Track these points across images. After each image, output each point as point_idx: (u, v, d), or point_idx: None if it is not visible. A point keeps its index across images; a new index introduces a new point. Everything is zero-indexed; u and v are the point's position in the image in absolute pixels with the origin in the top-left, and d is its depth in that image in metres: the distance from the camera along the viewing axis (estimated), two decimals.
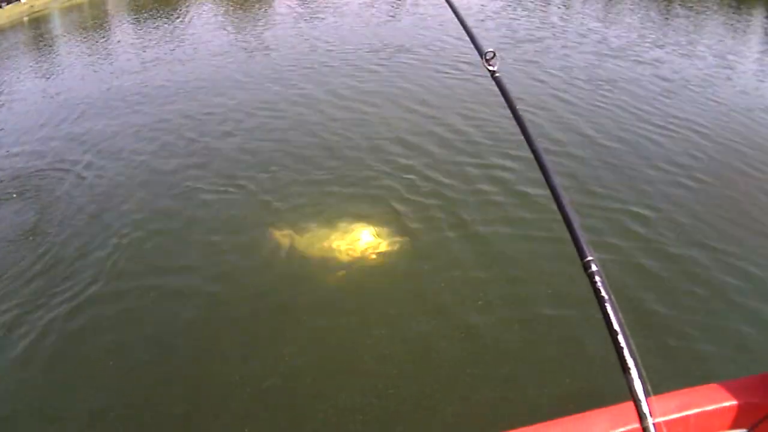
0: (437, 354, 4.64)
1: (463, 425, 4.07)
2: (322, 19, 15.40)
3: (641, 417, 1.18)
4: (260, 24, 15.50)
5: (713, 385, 1.65)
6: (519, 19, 15.45)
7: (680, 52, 13.16)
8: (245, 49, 12.90)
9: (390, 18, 15.66)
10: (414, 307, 5.11)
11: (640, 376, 1.22)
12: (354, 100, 9.66)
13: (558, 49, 12.86)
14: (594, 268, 1.31)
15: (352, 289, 5.38)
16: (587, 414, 1.67)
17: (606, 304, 1.26)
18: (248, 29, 14.71)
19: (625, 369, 1.20)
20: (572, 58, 12.08)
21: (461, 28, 2.25)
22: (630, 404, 1.44)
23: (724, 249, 5.73)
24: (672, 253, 5.66)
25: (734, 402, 1.59)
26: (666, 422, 1.53)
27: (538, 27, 14.71)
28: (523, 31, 14.30)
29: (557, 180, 1.51)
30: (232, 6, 17.64)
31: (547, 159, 1.56)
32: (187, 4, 18.18)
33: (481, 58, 1.90)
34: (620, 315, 1.26)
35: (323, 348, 4.76)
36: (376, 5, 16.86)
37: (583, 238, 1.37)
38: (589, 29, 14.70)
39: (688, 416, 1.58)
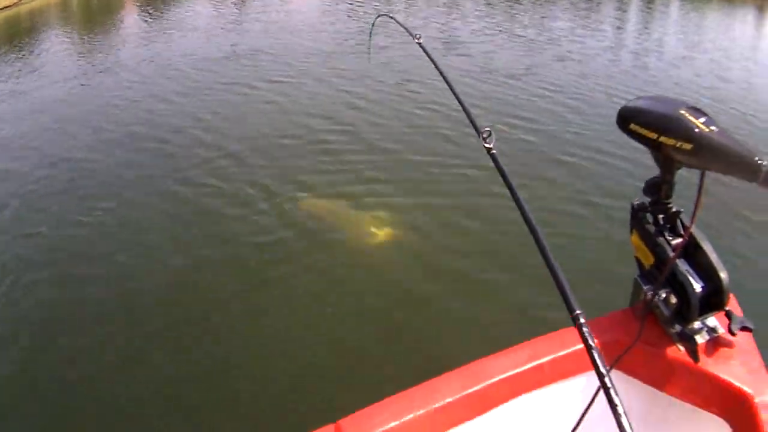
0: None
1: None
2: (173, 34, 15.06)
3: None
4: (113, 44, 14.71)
5: (568, 329, 1.66)
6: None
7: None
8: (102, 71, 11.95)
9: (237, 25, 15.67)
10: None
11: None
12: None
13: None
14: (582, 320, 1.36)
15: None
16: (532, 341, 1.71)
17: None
18: (99, 52, 13.86)
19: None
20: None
21: (459, 105, 2.27)
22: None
23: None
24: None
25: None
26: (520, 374, 1.60)
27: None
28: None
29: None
30: (80, 31, 17.02)
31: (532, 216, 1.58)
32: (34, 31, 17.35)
33: (479, 136, 1.94)
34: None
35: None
36: (223, 17, 16.77)
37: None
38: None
39: (541, 364, 1.63)
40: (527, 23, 15.53)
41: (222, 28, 15.21)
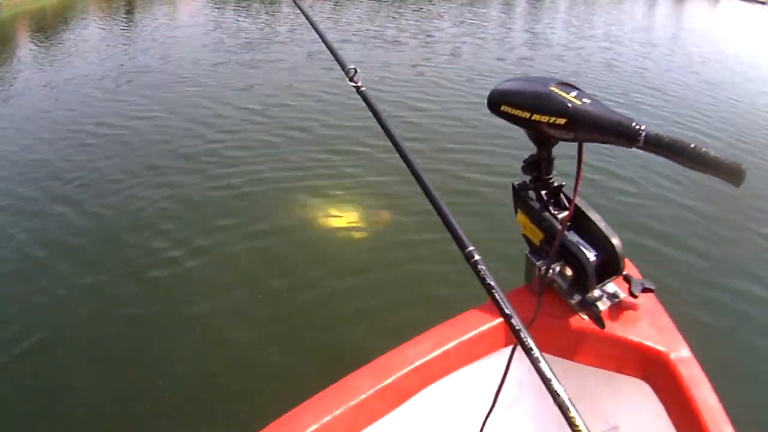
0: None
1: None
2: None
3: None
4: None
5: (469, 312, 1.71)
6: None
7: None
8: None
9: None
10: None
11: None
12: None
13: None
14: (476, 257, 1.38)
15: None
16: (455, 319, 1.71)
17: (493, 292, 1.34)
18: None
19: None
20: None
21: (324, 46, 2.30)
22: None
23: None
24: None
25: (494, 322, 1.67)
26: (427, 362, 1.60)
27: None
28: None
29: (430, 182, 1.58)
30: None
31: (416, 161, 1.62)
32: None
33: (345, 75, 1.97)
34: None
35: None
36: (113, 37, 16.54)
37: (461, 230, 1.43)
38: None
39: (448, 350, 1.63)
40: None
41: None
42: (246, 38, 14.51)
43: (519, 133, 1.60)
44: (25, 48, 16.98)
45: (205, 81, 10.91)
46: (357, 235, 5.60)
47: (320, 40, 2.38)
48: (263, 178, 6.68)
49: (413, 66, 11.07)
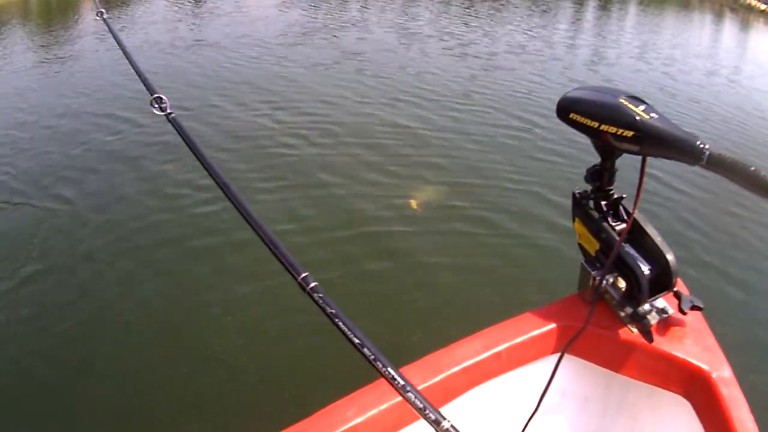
0: None
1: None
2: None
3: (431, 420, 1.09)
4: None
5: (521, 316, 1.72)
6: None
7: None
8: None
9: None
10: None
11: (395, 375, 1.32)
12: None
13: None
14: (313, 283, 1.31)
15: None
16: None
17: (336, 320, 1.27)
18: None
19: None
20: None
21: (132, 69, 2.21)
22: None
23: None
24: None
25: (545, 329, 1.68)
26: (477, 363, 1.62)
27: None
28: None
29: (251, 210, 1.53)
30: (40, 28, 16.85)
31: (235, 190, 1.56)
32: None
33: (152, 103, 1.88)
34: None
35: None
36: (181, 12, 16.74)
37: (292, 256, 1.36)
38: None
39: (499, 352, 1.64)
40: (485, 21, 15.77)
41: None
42: (314, 22, 14.73)
43: (585, 141, 1.62)
44: (92, 15, 17.41)
45: (264, 65, 11.08)
46: (409, 230, 5.62)
47: (129, 63, 2.28)
48: (314, 171, 6.75)
49: (470, 78, 11.00)
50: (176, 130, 1.81)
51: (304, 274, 1.30)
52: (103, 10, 2.38)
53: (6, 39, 14.68)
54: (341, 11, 17.07)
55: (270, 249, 1.39)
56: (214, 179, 1.61)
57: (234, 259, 5.08)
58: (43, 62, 11.93)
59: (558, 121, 1.63)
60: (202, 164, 1.67)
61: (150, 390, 3.92)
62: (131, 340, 4.31)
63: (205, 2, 17.94)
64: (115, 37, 2.60)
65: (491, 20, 16.48)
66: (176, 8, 16.85)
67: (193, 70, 10.80)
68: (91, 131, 7.86)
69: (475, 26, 15.42)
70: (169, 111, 1.87)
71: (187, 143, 1.75)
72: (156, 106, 1.88)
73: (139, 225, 5.60)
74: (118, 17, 15.84)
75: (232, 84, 9.87)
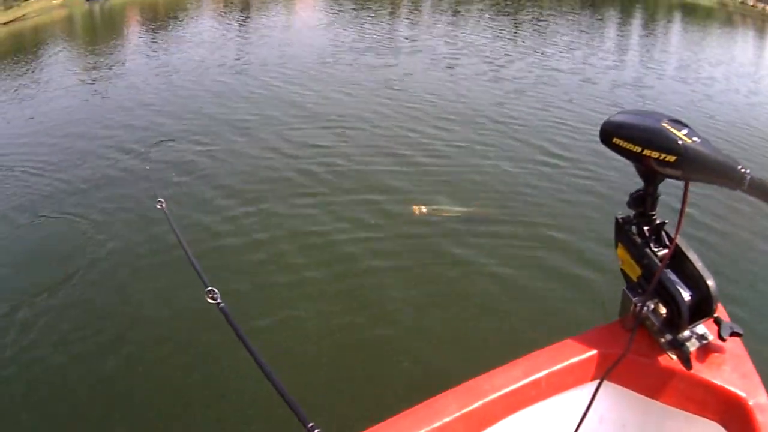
0: None
1: None
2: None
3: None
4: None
5: (561, 343, 1.71)
6: None
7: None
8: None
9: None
10: None
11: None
12: None
13: None
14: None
15: None
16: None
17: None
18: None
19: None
20: None
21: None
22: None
23: None
24: None
25: (584, 356, 1.66)
26: (516, 390, 1.60)
27: None
28: None
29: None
30: (84, 45, 17.14)
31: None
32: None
33: (206, 293, 1.97)
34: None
35: None
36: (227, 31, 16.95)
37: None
38: None
39: (538, 379, 1.63)
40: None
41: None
42: (356, 42, 14.92)
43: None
44: (136, 34, 17.83)
45: (306, 83, 11.21)
46: (455, 251, 5.61)
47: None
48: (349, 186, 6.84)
49: (513, 92, 10.99)
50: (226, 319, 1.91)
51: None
52: (162, 200, 2.42)
53: (50, 57, 15.07)
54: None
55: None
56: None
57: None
58: (86, 82, 12.23)
59: (595, 143, 1.63)
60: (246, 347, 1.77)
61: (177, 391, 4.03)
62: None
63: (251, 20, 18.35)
64: (174, 230, 2.73)
65: (533, 40, 16.42)
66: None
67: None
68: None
69: (516, 46, 15.42)
70: (219, 301, 1.97)
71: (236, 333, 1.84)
72: (209, 297, 1.98)
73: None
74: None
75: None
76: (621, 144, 1.55)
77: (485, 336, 4.46)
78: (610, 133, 1.58)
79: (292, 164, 7.49)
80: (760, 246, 5.99)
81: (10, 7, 23.22)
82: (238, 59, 13.35)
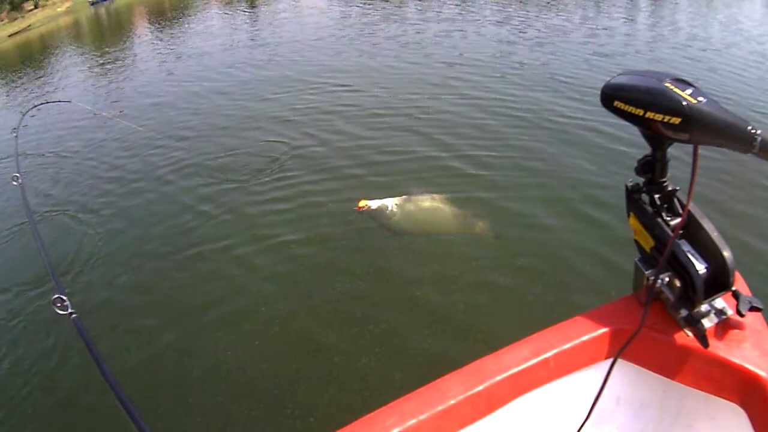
0: None
1: None
2: None
3: None
4: None
5: (572, 320, 1.64)
6: None
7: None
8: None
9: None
10: None
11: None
12: None
13: None
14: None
15: None
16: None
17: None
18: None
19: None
20: None
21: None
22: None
23: None
24: None
25: (596, 333, 1.60)
26: (524, 370, 1.55)
27: None
28: None
29: None
30: (96, 47, 17.29)
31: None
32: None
33: (56, 302, 1.94)
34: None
35: None
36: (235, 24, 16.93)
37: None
38: None
39: (546, 359, 1.57)
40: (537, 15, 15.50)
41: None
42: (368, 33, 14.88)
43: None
44: (145, 30, 17.96)
45: (309, 78, 11.21)
46: (457, 243, 5.44)
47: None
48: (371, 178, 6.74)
49: (524, 63, 10.82)
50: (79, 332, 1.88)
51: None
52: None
53: (61, 62, 15.27)
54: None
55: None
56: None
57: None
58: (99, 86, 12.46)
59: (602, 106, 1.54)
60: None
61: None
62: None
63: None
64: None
65: (543, 10, 16.16)
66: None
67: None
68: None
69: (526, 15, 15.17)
70: (71, 311, 1.95)
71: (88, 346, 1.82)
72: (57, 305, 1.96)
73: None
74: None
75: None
76: (622, 107, 1.45)
77: (493, 315, 4.36)
78: (610, 96, 1.48)
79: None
80: None
81: (15, 19, 23.41)
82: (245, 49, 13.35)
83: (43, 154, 9.05)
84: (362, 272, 5.01)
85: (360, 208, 5.57)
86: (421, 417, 1.44)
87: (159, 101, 10.97)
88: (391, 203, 5.60)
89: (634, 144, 6.33)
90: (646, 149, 1.55)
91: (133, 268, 5.56)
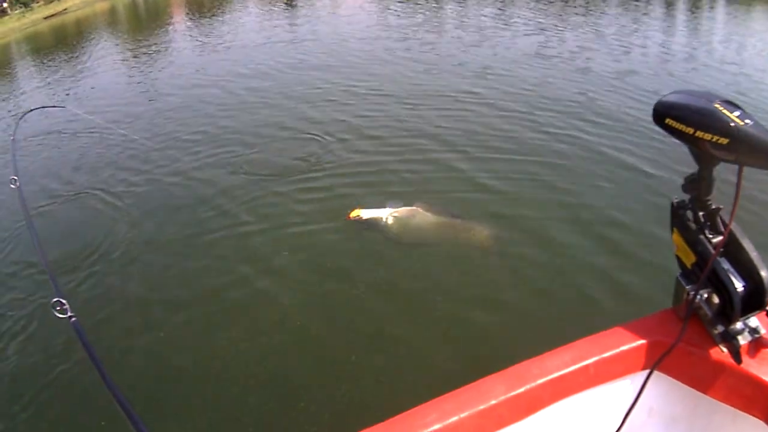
0: None
1: None
2: None
3: None
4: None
5: (612, 330, 1.67)
6: None
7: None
8: None
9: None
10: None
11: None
12: None
13: None
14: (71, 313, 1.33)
15: None
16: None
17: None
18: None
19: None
20: None
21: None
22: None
23: None
24: None
25: (635, 344, 1.64)
26: (565, 375, 1.60)
27: None
28: None
29: None
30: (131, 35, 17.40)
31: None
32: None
33: (56, 305, 1.96)
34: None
35: None
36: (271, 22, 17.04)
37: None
38: None
39: (587, 366, 1.62)
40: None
41: None
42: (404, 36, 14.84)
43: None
44: (181, 22, 18.07)
45: (344, 81, 11.22)
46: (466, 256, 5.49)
47: None
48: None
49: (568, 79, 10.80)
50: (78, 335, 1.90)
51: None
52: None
53: (95, 48, 15.40)
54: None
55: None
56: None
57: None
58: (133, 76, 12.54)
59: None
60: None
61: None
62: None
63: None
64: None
65: (580, 22, 16.06)
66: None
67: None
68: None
69: (564, 27, 15.08)
70: (71, 314, 1.96)
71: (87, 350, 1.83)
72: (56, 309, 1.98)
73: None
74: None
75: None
76: (673, 125, 1.49)
77: (532, 321, 4.41)
78: (662, 114, 1.52)
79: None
80: None
81: (51, 1, 23.64)
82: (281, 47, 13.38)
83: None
84: (381, 277, 5.10)
85: (350, 217, 5.51)
86: (462, 415, 1.47)
87: (187, 95, 11.09)
88: (385, 214, 5.55)
89: (661, 166, 6.20)
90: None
91: (143, 264, 5.71)
